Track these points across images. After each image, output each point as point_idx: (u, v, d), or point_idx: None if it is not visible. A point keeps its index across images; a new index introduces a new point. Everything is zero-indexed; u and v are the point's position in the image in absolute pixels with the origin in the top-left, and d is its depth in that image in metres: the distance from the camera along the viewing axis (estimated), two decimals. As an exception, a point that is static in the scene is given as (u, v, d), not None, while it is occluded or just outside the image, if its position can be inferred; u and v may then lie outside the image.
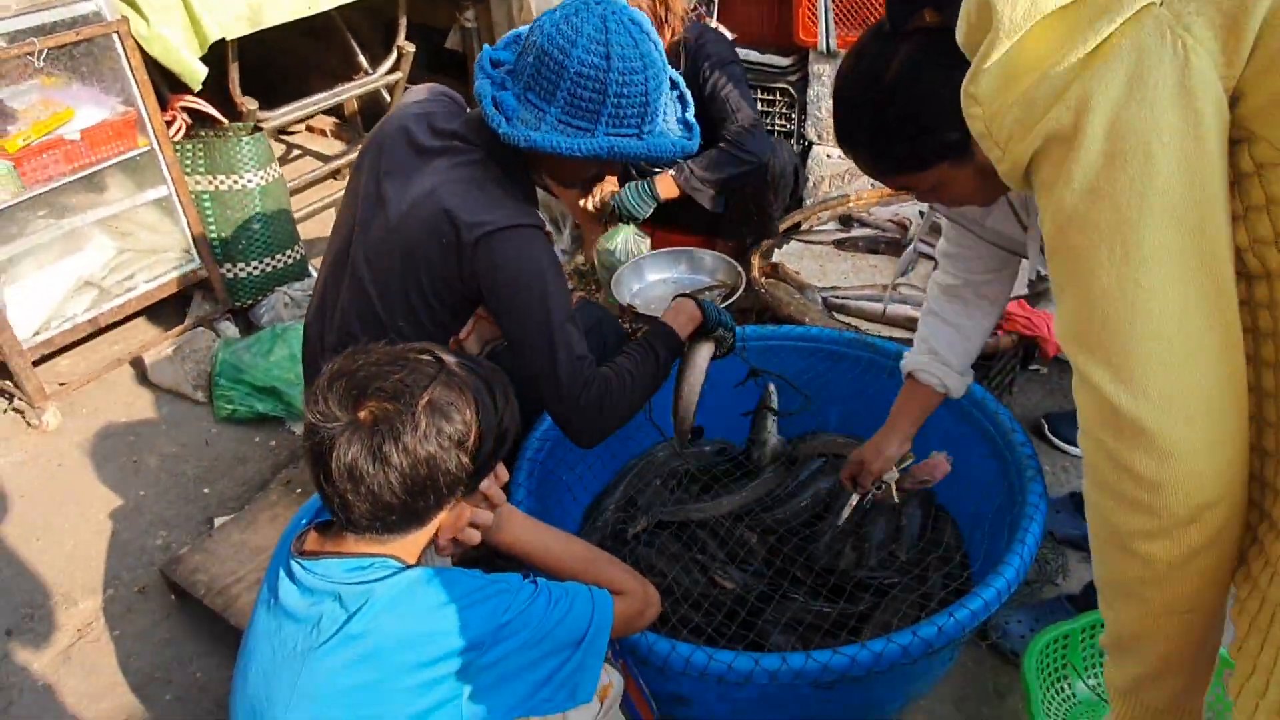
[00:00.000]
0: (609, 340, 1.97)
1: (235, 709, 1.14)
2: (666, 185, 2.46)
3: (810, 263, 2.53)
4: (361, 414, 0.99)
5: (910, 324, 2.17)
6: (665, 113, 1.54)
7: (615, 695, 1.27)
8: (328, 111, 4.07)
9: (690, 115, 1.62)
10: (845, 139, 1.19)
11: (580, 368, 1.50)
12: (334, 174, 3.79)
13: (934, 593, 1.64)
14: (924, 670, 1.47)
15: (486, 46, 1.52)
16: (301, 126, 4.29)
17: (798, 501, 1.90)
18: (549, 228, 1.87)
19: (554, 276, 1.49)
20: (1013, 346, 2.07)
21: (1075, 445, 2.15)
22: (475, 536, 1.19)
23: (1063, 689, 1.60)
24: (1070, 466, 2.14)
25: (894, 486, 1.62)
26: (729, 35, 2.54)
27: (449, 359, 1.07)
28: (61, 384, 2.47)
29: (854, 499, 1.69)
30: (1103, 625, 1.62)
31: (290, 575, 1.09)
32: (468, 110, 1.63)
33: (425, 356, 1.06)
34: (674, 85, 1.61)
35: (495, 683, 1.07)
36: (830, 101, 2.88)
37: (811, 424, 2.11)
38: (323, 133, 4.20)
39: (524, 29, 1.51)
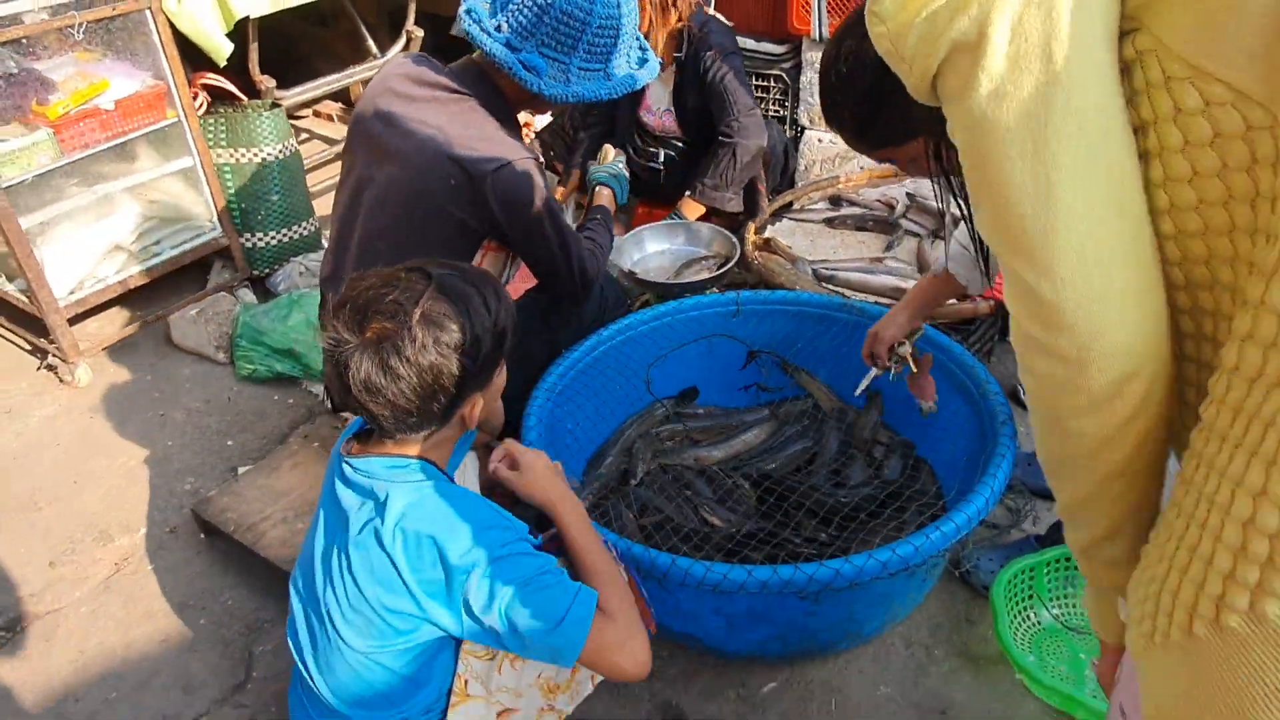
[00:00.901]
0: (609, 300, 2.12)
1: (298, 580, 1.29)
2: (691, 209, 2.62)
3: (801, 238, 2.68)
4: (367, 334, 1.11)
5: (896, 293, 2.32)
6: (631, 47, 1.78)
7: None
8: (334, 97, 4.20)
9: (649, 54, 1.85)
10: (832, 116, 1.31)
11: (584, 263, 1.82)
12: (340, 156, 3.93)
13: (911, 523, 1.78)
14: (901, 591, 1.62)
15: (475, 6, 1.70)
16: (308, 112, 4.41)
17: (786, 453, 2.05)
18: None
19: (552, 199, 1.74)
20: (991, 312, 2.22)
21: (1046, 407, 2.30)
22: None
23: (1029, 616, 1.75)
24: (1041, 426, 2.29)
25: (910, 356, 1.78)
26: (729, 25, 2.69)
27: (437, 272, 1.18)
28: (94, 342, 2.59)
29: (873, 371, 1.84)
30: (1066, 558, 1.77)
31: (341, 474, 1.23)
32: (447, 66, 1.81)
33: (415, 274, 1.17)
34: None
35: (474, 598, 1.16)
36: (822, 86, 3.02)
37: (802, 391, 2.26)
38: (329, 117, 4.32)
39: None
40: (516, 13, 1.65)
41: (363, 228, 1.76)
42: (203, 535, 2.10)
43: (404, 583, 1.16)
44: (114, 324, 2.72)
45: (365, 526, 1.19)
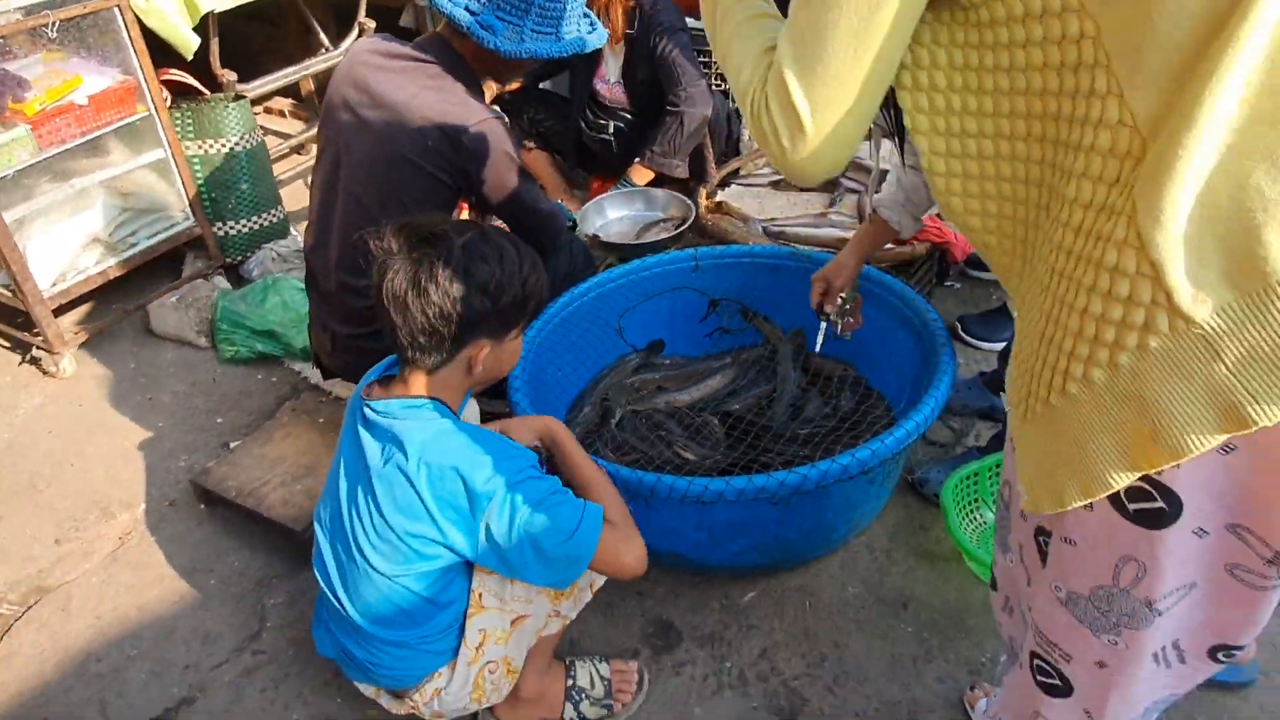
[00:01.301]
0: (578, 258, 2.27)
1: (322, 516, 1.42)
2: (641, 174, 2.81)
3: (750, 200, 2.86)
4: (414, 254, 1.25)
5: (840, 243, 2.51)
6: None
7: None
8: (284, 93, 4.27)
9: (590, 14, 2.00)
10: None
11: (554, 213, 2.06)
12: (297, 149, 4.00)
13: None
14: (862, 498, 1.80)
15: None
16: (260, 108, 4.46)
17: (749, 394, 2.23)
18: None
19: (519, 156, 1.90)
20: (927, 253, 2.43)
21: (984, 341, 2.52)
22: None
23: (975, 517, 1.95)
24: (981, 358, 2.50)
25: (857, 307, 1.96)
26: (676, 4, 2.86)
27: (493, 228, 1.35)
28: (76, 333, 2.65)
29: (824, 326, 2.00)
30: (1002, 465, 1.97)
31: (361, 417, 1.36)
32: (413, 40, 1.94)
33: (472, 223, 1.33)
34: None
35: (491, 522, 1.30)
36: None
37: (759, 337, 2.43)
38: (281, 113, 4.38)
39: None
40: None
41: (344, 194, 1.88)
42: (203, 506, 2.20)
43: (427, 511, 1.29)
44: (92, 316, 2.78)
45: (389, 461, 1.31)
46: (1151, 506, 0.79)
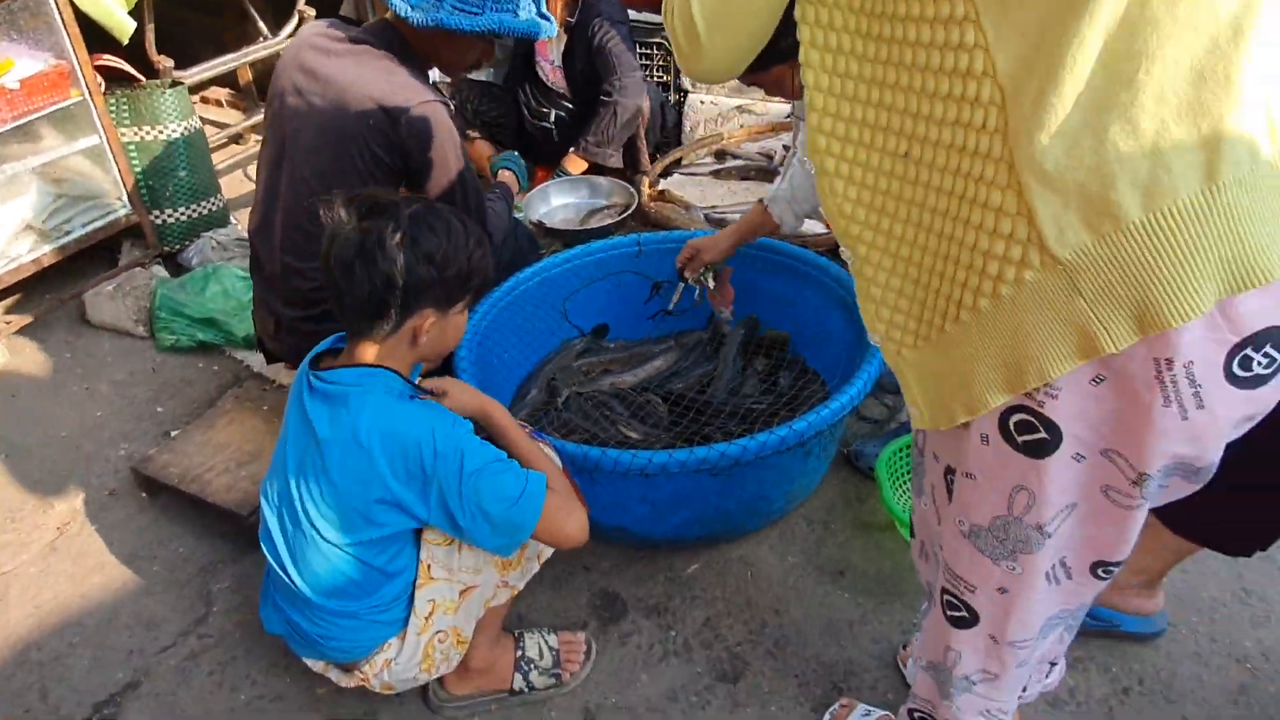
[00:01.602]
0: (523, 244, 2.31)
1: (269, 490, 1.43)
2: (575, 164, 2.84)
3: (692, 189, 2.93)
4: (362, 224, 1.28)
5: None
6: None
7: None
8: (220, 82, 4.20)
9: (544, 8, 1.99)
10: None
11: (487, 208, 2.04)
12: (235, 139, 3.94)
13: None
14: (800, 470, 1.87)
15: None
16: (197, 97, 4.37)
17: (691, 375, 2.29)
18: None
19: (461, 143, 1.90)
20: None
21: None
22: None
23: (907, 488, 2.04)
24: (912, 340, 2.60)
25: (724, 279, 2.08)
26: None
27: (443, 205, 1.37)
28: (9, 322, 2.59)
29: (680, 287, 2.14)
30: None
31: (309, 388, 1.38)
32: (360, 26, 1.96)
33: (422, 196, 1.36)
34: None
35: (430, 491, 1.34)
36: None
37: (701, 321, 2.49)
38: (218, 102, 4.30)
39: None
40: None
41: (289, 176, 1.88)
42: (144, 494, 2.18)
43: (380, 476, 1.32)
44: (25, 305, 2.72)
45: (340, 428, 1.33)
46: (1037, 438, 0.87)
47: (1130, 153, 0.70)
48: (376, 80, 1.81)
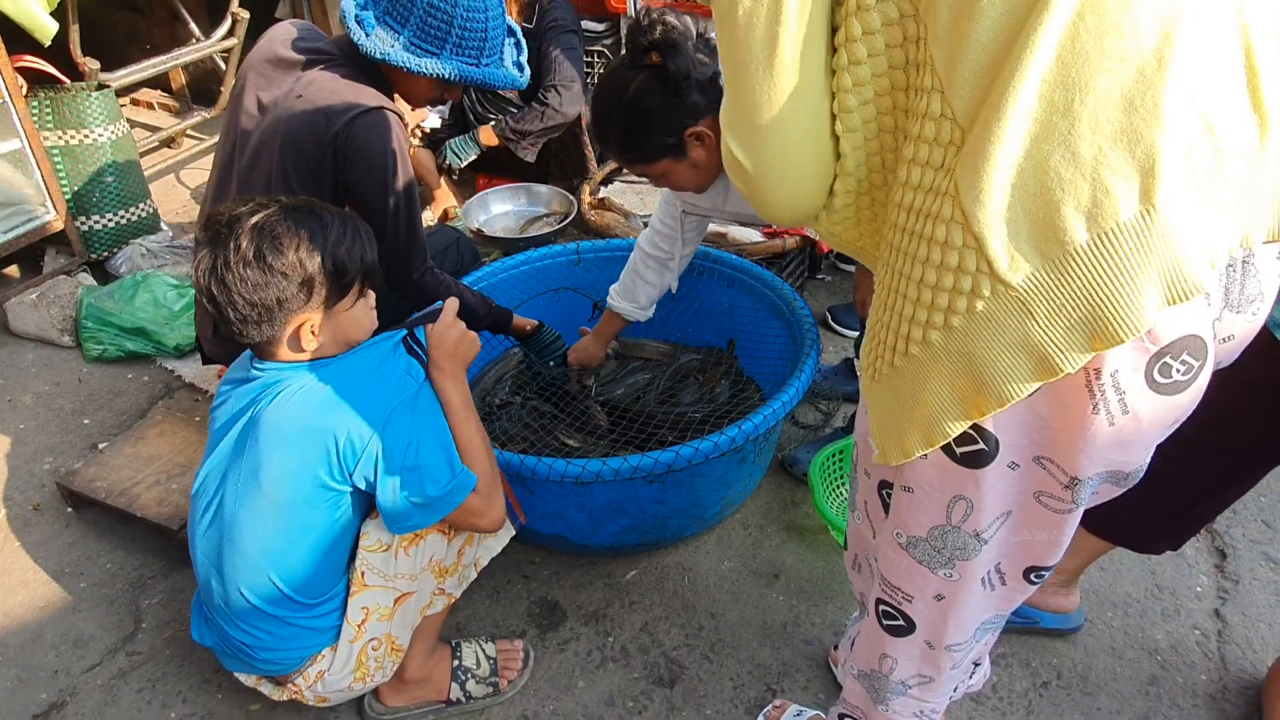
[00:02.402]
0: (465, 255, 2.31)
1: (197, 493, 1.41)
2: (487, 134, 2.85)
3: (632, 197, 2.95)
4: (212, 245, 1.26)
5: (718, 237, 2.63)
6: (502, 51, 1.88)
7: None
8: (153, 85, 4.10)
9: (523, 59, 1.96)
10: (600, 137, 1.66)
11: (418, 245, 1.85)
12: (167, 143, 3.85)
13: (739, 422, 2.08)
14: (735, 477, 1.91)
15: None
16: (127, 99, 4.26)
17: (628, 382, 2.31)
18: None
19: (405, 162, 1.79)
20: (797, 247, 2.57)
21: (850, 329, 2.69)
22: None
23: (840, 492, 2.09)
24: (848, 345, 2.67)
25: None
26: (570, 4, 2.92)
27: (290, 201, 1.32)
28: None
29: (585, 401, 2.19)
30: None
31: (247, 377, 1.37)
32: (330, 38, 1.90)
33: (270, 201, 1.31)
34: (511, 32, 1.94)
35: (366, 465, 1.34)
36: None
37: (640, 327, 2.51)
38: (149, 105, 4.20)
39: None
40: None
41: (238, 176, 1.84)
42: (70, 509, 2.12)
43: (312, 461, 1.31)
44: (-60, 316, 2.63)
45: (265, 420, 1.33)
46: (975, 449, 0.91)
47: (1071, 178, 0.74)
48: (329, 88, 1.74)
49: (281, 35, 1.86)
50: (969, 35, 0.76)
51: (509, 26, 1.90)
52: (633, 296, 2.08)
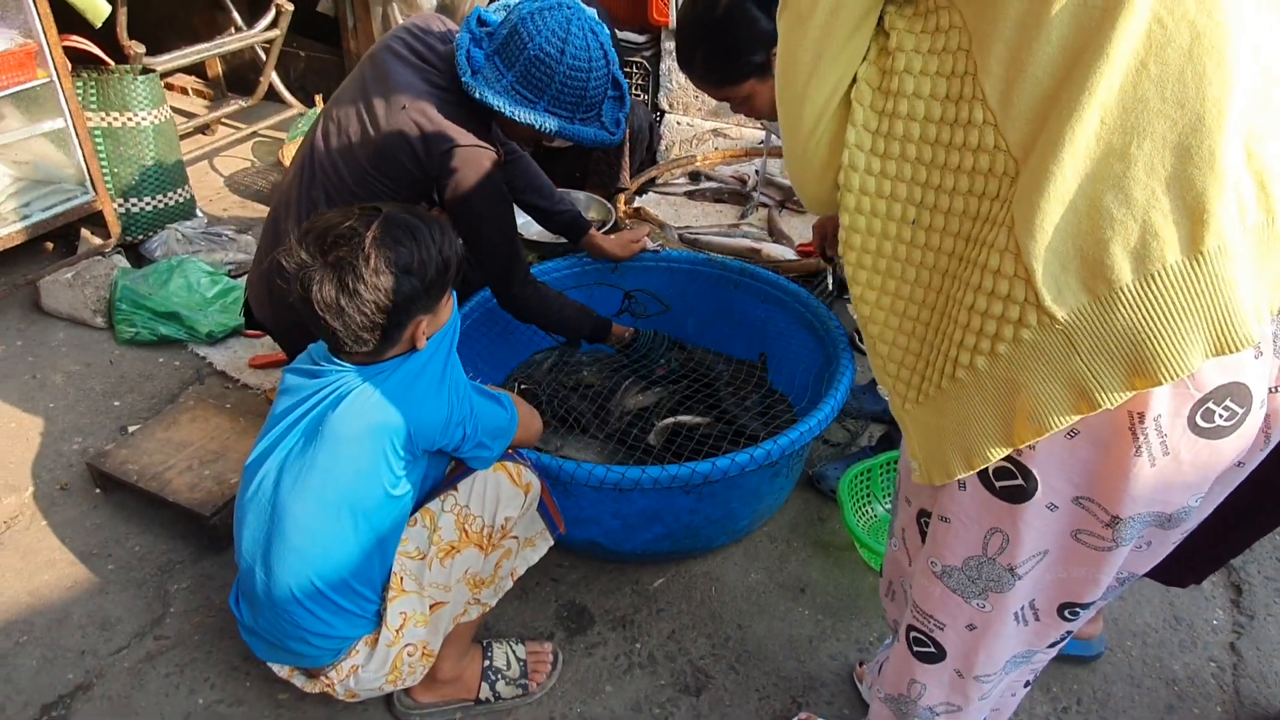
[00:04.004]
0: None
1: (253, 467, 1.42)
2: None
3: (666, 208, 2.97)
4: (329, 258, 1.27)
5: (751, 252, 2.65)
6: (601, 106, 1.87)
7: (535, 495, 1.61)
8: (189, 70, 4.13)
9: (622, 115, 1.95)
10: (686, 61, 1.63)
11: (523, 264, 1.94)
12: (202, 129, 3.87)
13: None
14: (768, 489, 1.92)
15: (479, 6, 1.83)
16: (162, 83, 4.28)
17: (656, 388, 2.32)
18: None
19: (500, 190, 1.85)
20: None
21: (876, 350, 2.70)
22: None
23: (867, 510, 2.11)
24: (873, 366, 2.68)
25: None
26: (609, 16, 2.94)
27: (388, 209, 1.35)
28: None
29: (829, 269, 2.09)
30: (894, 461, 2.13)
31: (315, 370, 1.39)
32: (452, 42, 1.88)
33: (369, 210, 1.33)
34: (617, 86, 1.92)
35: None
36: (679, 75, 3.35)
37: (674, 330, 2.53)
38: (184, 90, 4.22)
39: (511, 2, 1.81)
40: (500, 24, 1.79)
41: (327, 160, 1.84)
42: (98, 490, 2.12)
43: (377, 457, 1.34)
44: (-28, 290, 2.63)
45: (331, 420, 1.34)
46: (1014, 484, 0.93)
47: (1122, 219, 0.76)
48: (433, 113, 1.76)
49: (403, 32, 1.86)
50: (1026, 69, 0.78)
51: (615, 80, 1.89)
52: None
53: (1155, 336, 0.76)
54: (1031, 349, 0.82)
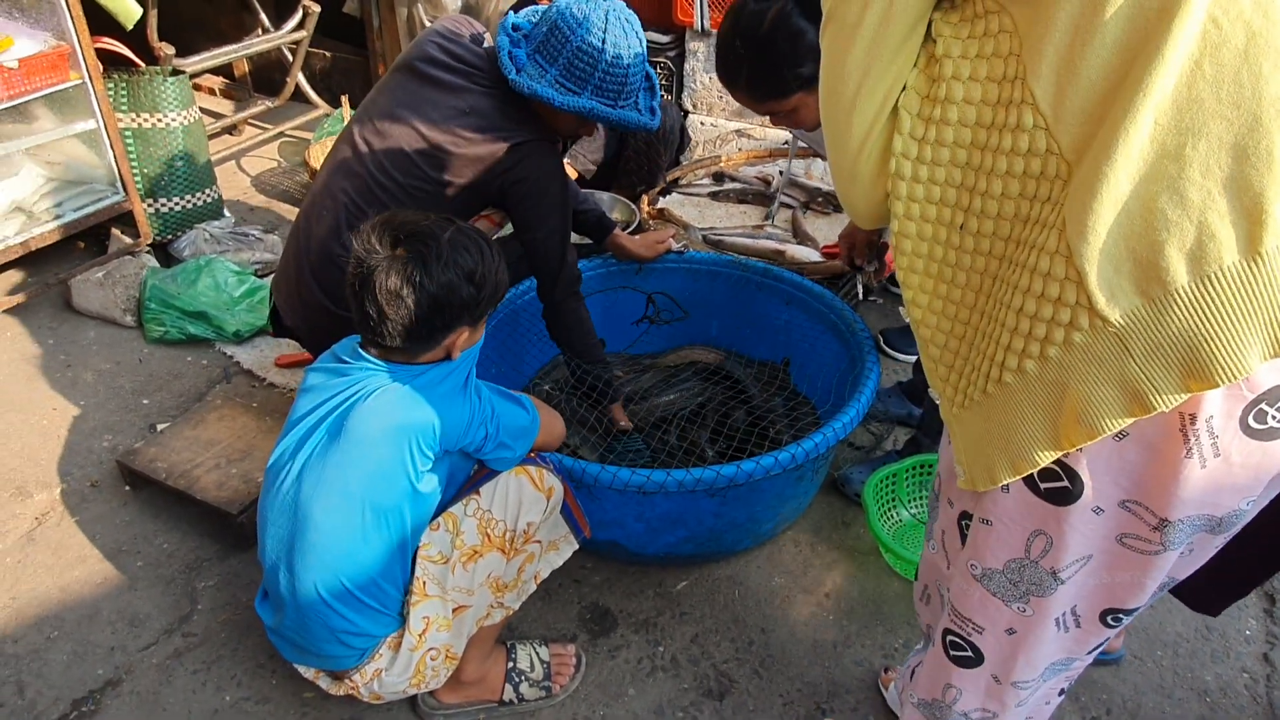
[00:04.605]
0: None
1: (275, 465, 1.43)
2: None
3: (690, 209, 2.96)
4: (399, 250, 1.30)
5: (776, 254, 2.64)
6: (638, 94, 1.92)
7: (557, 499, 1.60)
8: (217, 71, 4.17)
9: (656, 103, 1.99)
10: (727, 74, 1.60)
11: (574, 270, 1.98)
12: (229, 130, 3.91)
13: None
14: (791, 493, 1.91)
15: (511, 12, 1.86)
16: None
17: (681, 392, 2.31)
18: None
19: (565, 188, 1.89)
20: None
21: (903, 352, 2.68)
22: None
23: (892, 515, 2.09)
24: (900, 368, 2.66)
25: (886, 248, 1.98)
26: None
27: (460, 221, 1.40)
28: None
29: (859, 277, 2.05)
30: (920, 465, 2.11)
31: (339, 369, 1.39)
32: (485, 44, 1.91)
33: (443, 218, 1.38)
34: (649, 79, 1.97)
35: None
36: (704, 75, 3.33)
37: (697, 335, 2.53)
38: (211, 91, 4.27)
39: (542, 7, 1.85)
40: (536, 24, 1.83)
41: (362, 165, 1.87)
42: (128, 487, 2.15)
43: (399, 458, 1.34)
44: (5, 288, 2.67)
45: (352, 420, 1.34)
46: (1059, 486, 0.91)
47: (1177, 221, 0.75)
48: (486, 113, 1.81)
49: (438, 36, 1.88)
50: (1079, 72, 0.77)
51: (648, 73, 1.94)
52: None
53: (1212, 338, 0.75)
54: (1083, 352, 0.81)
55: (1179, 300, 0.76)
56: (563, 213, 1.93)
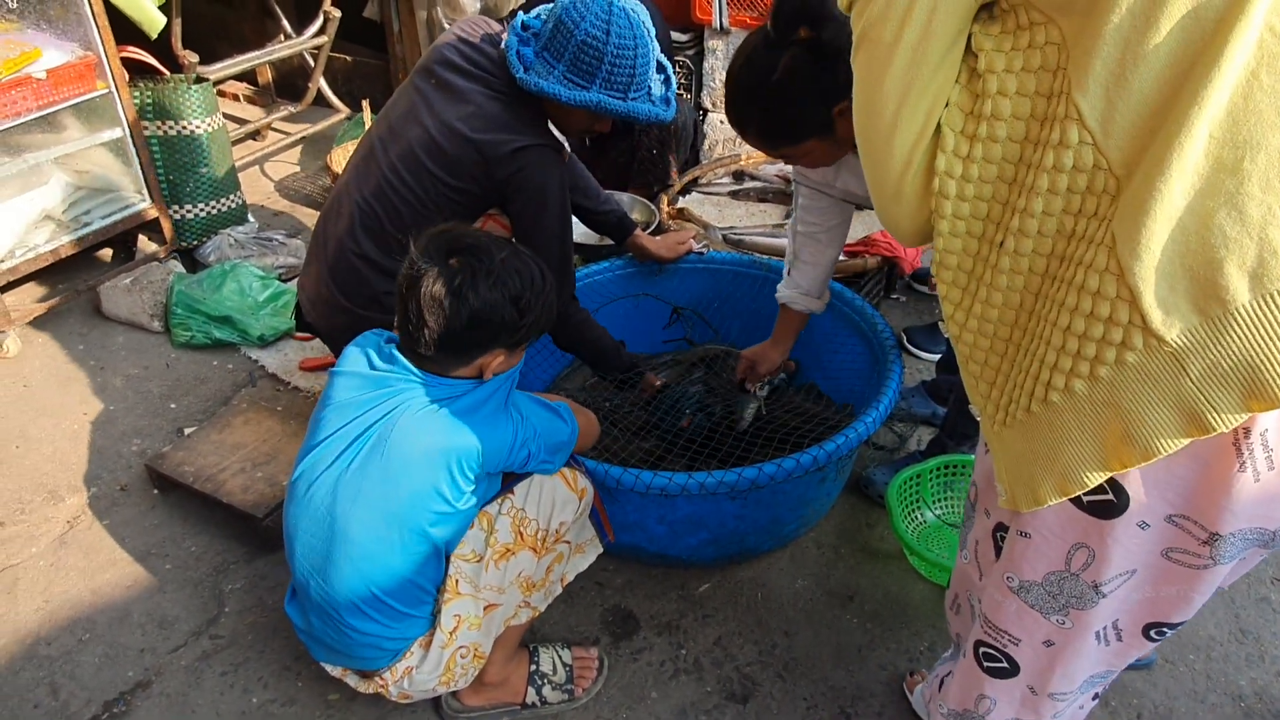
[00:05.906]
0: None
1: (303, 475, 1.43)
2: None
3: (710, 208, 2.95)
4: (451, 261, 1.30)
5: (795, 253, 2.62)
6: (649, 86, 1.90)
7: (588, 500, 1.61)
8: (240, 77, 4.21)
9: (670, 94, 1.97)
10: (740, 124, 1.55)
11: (573, 279, 1.97)
12: (253, 135, 3.95)
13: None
14: (814, 495, 1.90)
15: (521, 12, 1.86)
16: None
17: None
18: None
19: (564, 195, 1.88)
20: (878, 267, 2.55)
21: (927, 351, 2.66)
22: None
23: (916, 516, 2.07)
24: (924, 367, 2.64)
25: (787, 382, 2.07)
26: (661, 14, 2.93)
27: (521, 246, 1.41)
28: (22, 311, 2.59)
29: (751, 405, 2.11)
30: (945, 466, 2.09)
31: (375, 378, 1.39)
32: (501, 44, 1.90)
33: (502, 239, 1.39)
34: (661, 68, 1.95)
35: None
36: (723, 73, 3.32)
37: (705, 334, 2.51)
38: (235, 97, 4.31)
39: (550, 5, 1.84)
40: (544, 22, 1.82)
41: (379, 170, 1.88)
42: (156, 490, 2.18)
43: (437, 479, 1.35)
44: (36, 295, 2.72)
45: (395, 436, 1.35)
46: (1103, 499, 0.89)
47: (1237, 238, 0.73)
48: (491, 116, 1.81)
49: (457, 36, 1.90)
50: (1130, 85, 0.75)
51: (659, 62, 1.92)
52: (794, 282, 1.99)
53: (1275, 358, 0.73)
54: (1136, 372, 0.79)
55: (1240, 319, 0.74)
56: (562, 220, 1.91)
